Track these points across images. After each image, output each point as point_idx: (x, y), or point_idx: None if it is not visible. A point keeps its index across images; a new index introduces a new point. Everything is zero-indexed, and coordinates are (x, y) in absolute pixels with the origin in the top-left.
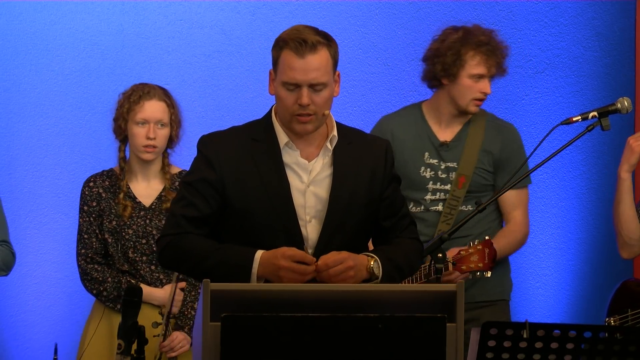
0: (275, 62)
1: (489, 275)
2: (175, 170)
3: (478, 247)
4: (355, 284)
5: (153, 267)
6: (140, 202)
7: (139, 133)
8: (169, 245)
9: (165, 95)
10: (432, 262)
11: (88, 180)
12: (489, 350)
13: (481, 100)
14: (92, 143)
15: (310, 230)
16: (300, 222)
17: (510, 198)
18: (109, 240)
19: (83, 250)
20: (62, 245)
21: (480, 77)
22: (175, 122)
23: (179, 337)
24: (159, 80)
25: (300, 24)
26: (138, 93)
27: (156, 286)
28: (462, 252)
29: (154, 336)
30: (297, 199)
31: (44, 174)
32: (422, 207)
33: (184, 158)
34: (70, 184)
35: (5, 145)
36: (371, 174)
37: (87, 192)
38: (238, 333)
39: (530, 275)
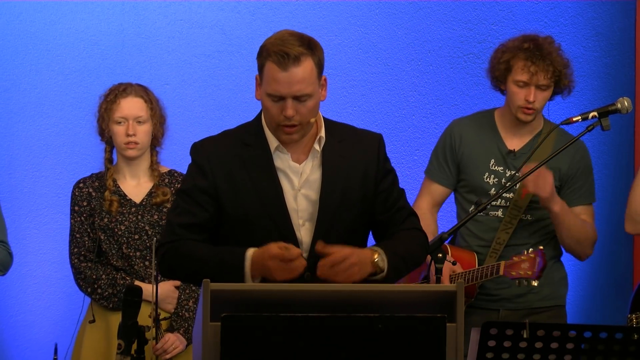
0: (260, 70)
1: (535, 284)
2: (164, 169)
3: (531, 255)
4: (361, 279)
5: (147, 263)
6: (130, 199)
7: (118, 131)
8: (166, 253)
9: (142, 91)
10: (432, 262)
11: (78, 182)
12: (489, 350)
13: (528, 108)
14: (92, 143)
15: (304, 233)
16: (295, 226)
17: (578, 210)
18: (102, 237)
19: (76, 249)
20: (62, 245)
21: (525, 84)
22: (155, 117)
23: (171, 339)
24: (159, 80)
25: (285, 30)
26: (114, 92)
27: (150, 282)
28: (514, 258)
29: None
30: (290, 203)
31: (44, 174)
32: (482, 213)
33: (183, 158)
34: (70, 184)
35: (5, 145)
36: (364, 169)
37: (77, 193)
38: (238, 333)
39: None
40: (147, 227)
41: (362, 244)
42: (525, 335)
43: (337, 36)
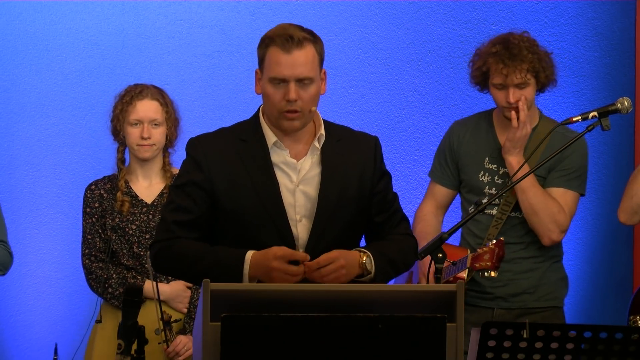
0: (261, 61)
1: (493, 275)
2: (175, 170)
3: (491, 247)
4: (348, 281)
5: None
6: (142, 200)
7: (133, 133)
8: (161, 250)
9: (158, 94)
10: (432, 262)
11: (90, 185)
12: (489, 350)
13: (511, 108)
14: (92, 143)
15: (301, 229)
16: (291, 222)
17: (554, 193)
18: (113, 237)
19: (87, 250)
20: (62, 245)
21: (502, 86)
22: (170, 120)
23: (183, 341)
24: (159, 80)
25: (285, 23)
26: (130, 94)
27: (161, 281)
28: (479, 250)
29: (158, 343)
30: (287, 198)
31: (44, 174)
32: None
33: (184, 157)
34: (70, 184)
35: (5, 145)
36: (361, 170)
37: (89, 195)
38: (238, 333)
39: None
40: None
41: (356, 243)
42: (525, 335)
43: (337, 36)
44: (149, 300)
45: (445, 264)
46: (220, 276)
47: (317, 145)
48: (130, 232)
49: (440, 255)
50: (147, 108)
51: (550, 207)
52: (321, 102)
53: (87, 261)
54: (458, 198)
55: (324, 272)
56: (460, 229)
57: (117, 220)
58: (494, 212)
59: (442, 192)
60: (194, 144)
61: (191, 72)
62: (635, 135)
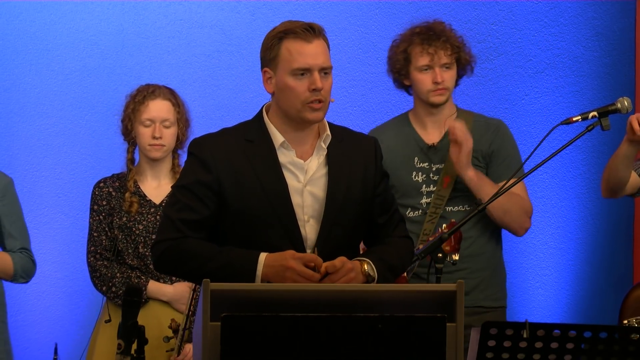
0: (274, 57)
1: (456, 258)
2: None
3: (444, 231)
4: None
5: None
6: (150, 200)
7: (144, 133)
8: (168, 249)
9: (170, 94)
10: (432, 262)
11: (98, 182)
12: (489, 350)
13: (439, 89)
14: (92, 143)
15: (309, 229)
16: (299, 222)
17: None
18: (119, 236)
19: (92, 248)
20: (62, 245)
21: (428, 67)
22: (182, 121)
23: (192, 350)
24: (159, 80)
25: (285, 20)
26: (143, 93)
27: (165, 282)
28: (430, 239)
29: (167, 351)
30: (295, 199)
31: (44, 174)
32: (420, 211)
33: (184, 157)
34: (70, 184)
35: (5, 145)
36: (364, 171)
37: (97, 192)
38: (238, 333)
39: (530, 275)
40: None
41: (358, 245)
42: (525, 335)
43: (337, 36)
44: (152, 301)
45: None
46: (231, 277)
47: (324, 145)
48: (137, 232)
49: (440, 255)
50: (159, 108)
51: (516, 200)
52: None
53: (92, 259)
54: None
55: (334, 278)
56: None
57: (124, 219)
58: (424, 208)
59: None
60: (198, 144)
61: (191, 72)
62: None
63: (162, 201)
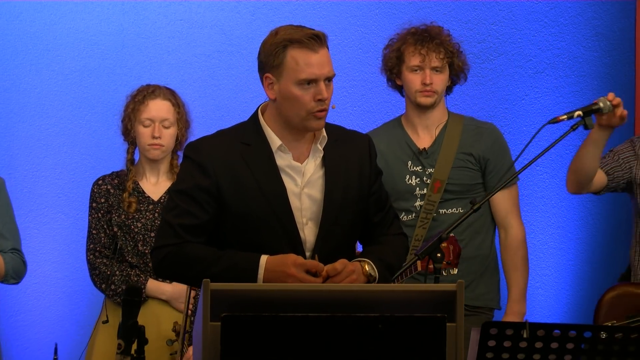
0: (277, 65)
1: (455, 272)
2: None
3: (443, 245)
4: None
5: None
6: (148, 196)
7: (144, 133)
8: (170, 255)
9: (170, 94)
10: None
11: (97, 180)
12: (489, 350)
13: (427, 90)
14: (92, 143)
15: (308, 232)
16: (298, 225)
17: (502, 201)
18: (118, 233)
19: (92, 245)
20: (62, 245)
21: (419, 67)
22: (182, 121)
23: (193, 350)
24: (158, 81)
25: (287, 25)
26: (143, 93)
27: (162, 281)
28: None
29: (171, 354)
30: (294, 202)
31: (44, 174)
32: (413, 214)
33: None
34: (70, 184)
35: (5, 145)
36: (359, 169)
37: (95, 190)
38: (238, 333)
39: (530, 275)
40: None
41: (354, 246)
42: (525, 335)
43: (337, 36)
44: (151, 299)
45: None
46: (233, 280)
47: (320, 147)
48: (136, 229)
49: (440, 255)
50: (159, 108)
51: (516, 254)
52: None
53: (91, 256)
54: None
55: (336, 281)
56: None
57: (123, 217)
58: (417, 211)
59: None
60: (195, 148)
61: (191, 72)
62: (635, 135)
63: (161, 198)
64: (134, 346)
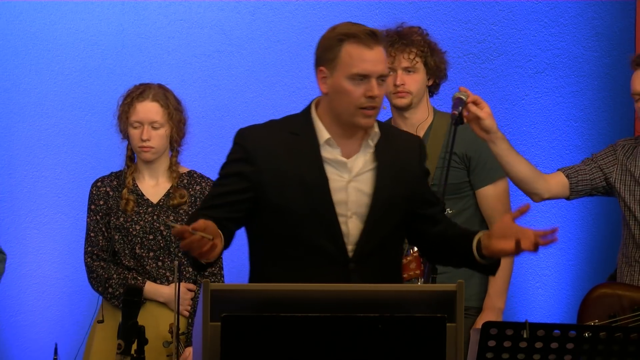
0: (332, 59)
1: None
2: (183, 170)
3: (414, 255)
4: None
5: (159, 263)
6: (147, 199)
7: (134, 135)
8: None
9: (161, 94)
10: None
11: (96, 181)
12: (489, 350)
13: (399, 92)
14: (92, 143)
15: (352, 226)
16: (341, 219)
17: (490, 200)
18: (116, 236)
19: (89, 248)
20: (62, 245)
21: (390, 69)
22: (173, 121)
23: (192, 350)
24: (158, 81)
25: (346, 21)
26: (131, 95)
27: (162, 283)
28: (403, 260)
29: (167, 355)
30: (338, 194)
31: (44, 174)
32: None
33: (185, 158)
34: (70, 184)
35: (5, 145)
36: (409, 168)
37: (94, 192)
38: (238, 333)
39: (530, 275)
40: (162, 228)
41: (401, 243)
42: (525, 335)
43: None
44: (149, 302)
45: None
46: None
47: (371, 143)
48: (134, 232)
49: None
50: (147, 109)
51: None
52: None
53: (88, 259)
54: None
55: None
56: None
57: (121, 219)
58: None
59: None
60: (243, 135)
61: (191, 72)
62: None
63: (160, 201)
64: (134, 346)
